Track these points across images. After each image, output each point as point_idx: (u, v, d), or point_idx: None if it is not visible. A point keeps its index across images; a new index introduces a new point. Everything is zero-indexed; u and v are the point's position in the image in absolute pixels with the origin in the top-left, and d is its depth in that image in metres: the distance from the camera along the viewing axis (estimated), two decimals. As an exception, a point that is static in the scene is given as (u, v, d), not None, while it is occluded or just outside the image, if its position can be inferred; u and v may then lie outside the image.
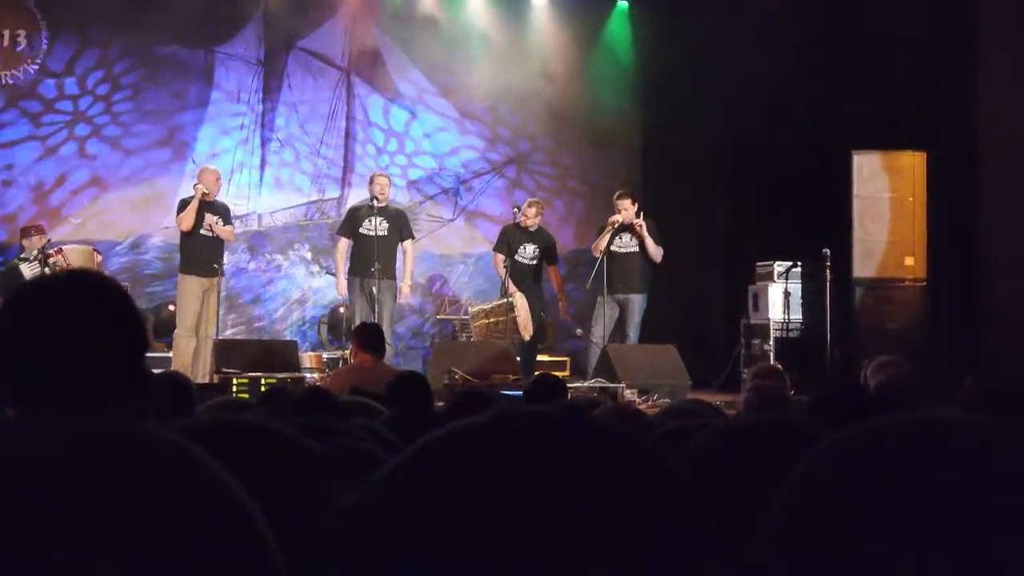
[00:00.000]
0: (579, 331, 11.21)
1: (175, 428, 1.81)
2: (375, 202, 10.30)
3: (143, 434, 1.36)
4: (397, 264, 10.51)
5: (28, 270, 10.07)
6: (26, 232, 10.47)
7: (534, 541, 1.18)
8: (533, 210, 10.84)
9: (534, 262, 10.77)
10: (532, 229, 10.82)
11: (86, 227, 12.01)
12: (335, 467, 2.12)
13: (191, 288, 9.94)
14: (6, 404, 1.64)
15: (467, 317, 11.03)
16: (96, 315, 1.67)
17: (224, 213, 10.28)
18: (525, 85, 13.32)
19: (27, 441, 1.33)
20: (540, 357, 11.47)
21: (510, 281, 10.41)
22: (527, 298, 10.51)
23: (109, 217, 12.15)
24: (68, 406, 1.59)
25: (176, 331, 9.99)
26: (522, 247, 10.73)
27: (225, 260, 10.52)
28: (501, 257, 10.70)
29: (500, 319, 10.34)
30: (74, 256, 10.44)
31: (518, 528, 1.18)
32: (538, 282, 10.82)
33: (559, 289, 11.04)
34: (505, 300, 10.40)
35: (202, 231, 10.02)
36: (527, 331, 10.34)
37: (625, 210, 10.50)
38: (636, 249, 10.52)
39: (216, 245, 10.12)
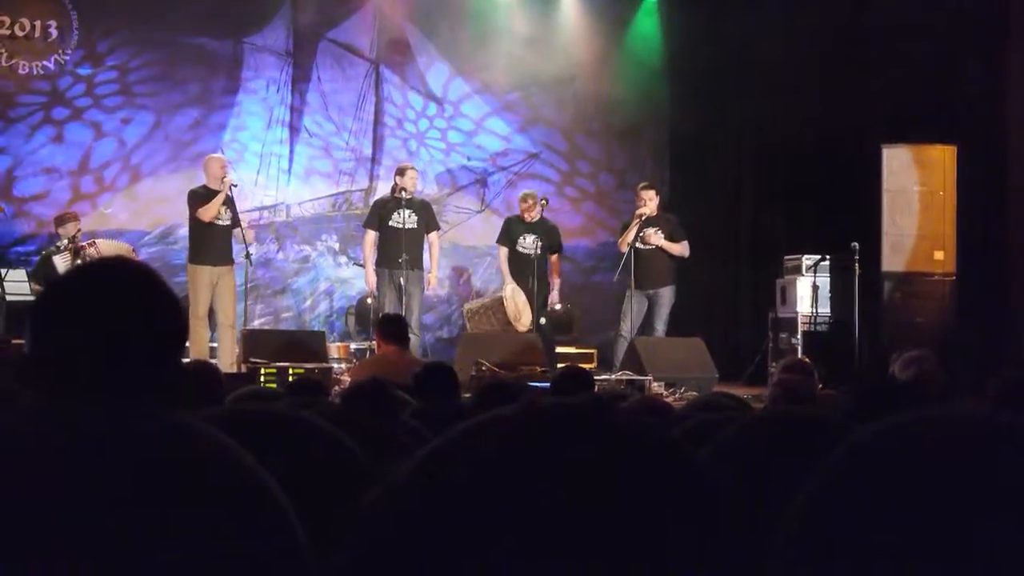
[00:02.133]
0: (558, 305, 11.13)
1: (204, 417, 1.82)
2: (404, 194, 10.32)
3: (179, 425, 1.37)
4: (425, 255, 10.55)
5: (60, 260, 10.11)
6: (61, 220, 10.51)
7: (558, 535, 1.18)
8: (528, 203, 10.85)
9: (536, 252, 10.77)
10: (532, 221, 10.84)
11: (116, 217, 12.07)
12: (367, 458, 2.12)
13: (200, 278, 9.93)
14: (39, 390, 1.65)
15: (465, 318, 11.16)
16: (136, 303, 1.67)
17: (231, 203, 10.27)
18: (553, 77, 13.31)
19: (64, 430, 1.34)
20: (567, 349, 11.47)
21: (508, 275, 10.55)
22: (528, 289, 10.56)
23: (138, 207, 12.21)
24: (106, 395, 1.60)
25: (191, 322, 9.95)
26: (522, 238, 10.78)
27: (253, 251, 10.53)
28: (505, 250, 10.79)
29: (493, 313, 10.46)
30: (108, 250, 10.48)
31: (543, 522, 1.18)
32: (541, 273, 10.81)
33: (554, 274, 10.98)
34: (497, 295, 10.55)
35: (216, 220, 10.05)
36: (521, 323, 10.38)
37: (649, 200, 10.54)
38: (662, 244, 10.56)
39: (227, 235, 10.12)
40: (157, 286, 1.70)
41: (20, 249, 11.64)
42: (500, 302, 10.47)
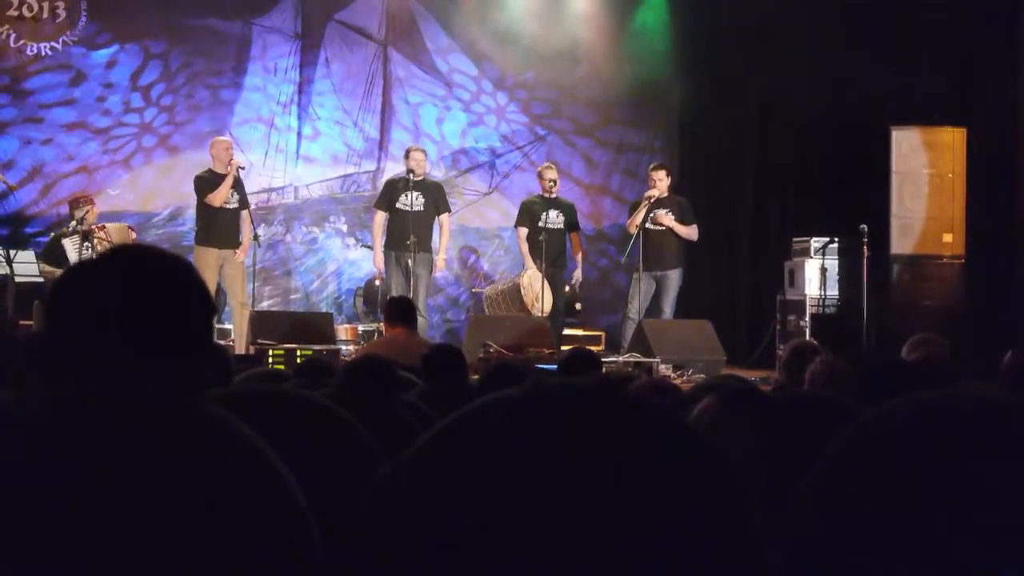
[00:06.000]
0: (576, 283, 11.03)
1: (213, 398, 1.82)
2: (411, 175, 10.32)
3: (192, 410, 1.37)
4: (434, 237, 10.53)
5: (70, 243, 10.13)
6: (75, 203, 10.51)
7: (565, 516, 1.18)
8: (552, 172, 10.80)
9: (561, 228, 10.72)
10: (552, 196, 10.77)
11: (124, 199, 12.07)
12: (374, 438, 2.13)
13: (208, 260, 9.96)
14: (50, 372, 1.65)
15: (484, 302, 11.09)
16: (165, 287, 1.66)
17: (239, 185, 10.27)
18: (561, 58, 13.27)
19: (79, 414, 1.34)
20: (575, 331, 11.46)
21: (529, 257, 10.46)
22: (556, 270, 10.53)
23: (146, 188, 12.21)
24: (123, 380, 1.60)
25: None
26: (545, 214, 10.67)
27: (261, 232, 10.56)
28: (524, 231, 10.69)
29: (508, 298, 10.41)
30: (115, 233, 10.49)
31: (551, 502, 1.18)
32: (563, 250, 10.77)
33: (578, 254, 10.94)
34: (515, 279, 10.49)
35: (225, 204, 10.06)
36: (535, 309, 10.33)
37: (660, 180, 10.51)
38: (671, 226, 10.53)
39: (234, 217, 10.14)
40: (186, 273, 1.70)
41: (28, 230, 11.66)
42: (517, 288, 10.38)
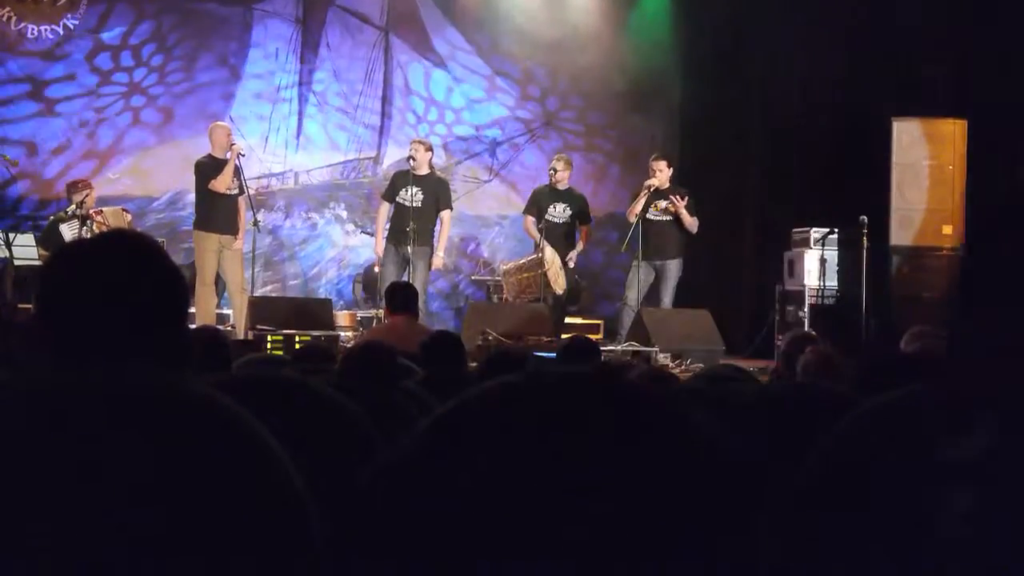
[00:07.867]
0: (572, 263, 10.96)
1: (210, 382, 1.82)
2: (411, 162, 10.30)
3: (179, 387, 1.37)
4: (435, 232, 10.46)
5: (67, 228, 10.12)
6: (73, 187, 10.50)
7: (563, 500, 1.18)
8: (562, 164, 10.75)
9: (566, 221, 10.70)
10: (562, 188, 10.75)
11: (124, 183, 12.07)
12: (372, 424, 2.13)
13: (208, 245, 9.93)
14: (43, 354, 1.67)
15: (500, 278, 11.00)
16: (141, 271, 1.71)
17: (237, 171, 10.23)
18: (562, 45, 13.26)
19: (69, 393, 1.34)
20: (574, 320, 11.45)
21: (541, 239, 10.39)
22: (558, 257, 10.50)
23: (146, 173, 12.20)
24: (110, 359, 1.62)
25: (197, 288, 9.93)
26: (552, 207, 10.65)
27: (261, 218, 10.55)
28: (532, 219, 10.68)
29: (532, 274, 10.33)
30: (112, 218, 10.49)
31: (547, 488, 1.19)
32: (570, 242, 10.76)
33: (581, 241, 10.89)
34: (535, 256, 10.39)
35: (227, 190, 10.05)
36: (559, 285, 10.31)
37: (660, 171, 10.48)
38: (671, 217, 10.50)
39: (234, 203, 10.12)
40: (158, 257, 1.75)
41: (26, 213, 11.67)
42: (540, 262, 10.29)
